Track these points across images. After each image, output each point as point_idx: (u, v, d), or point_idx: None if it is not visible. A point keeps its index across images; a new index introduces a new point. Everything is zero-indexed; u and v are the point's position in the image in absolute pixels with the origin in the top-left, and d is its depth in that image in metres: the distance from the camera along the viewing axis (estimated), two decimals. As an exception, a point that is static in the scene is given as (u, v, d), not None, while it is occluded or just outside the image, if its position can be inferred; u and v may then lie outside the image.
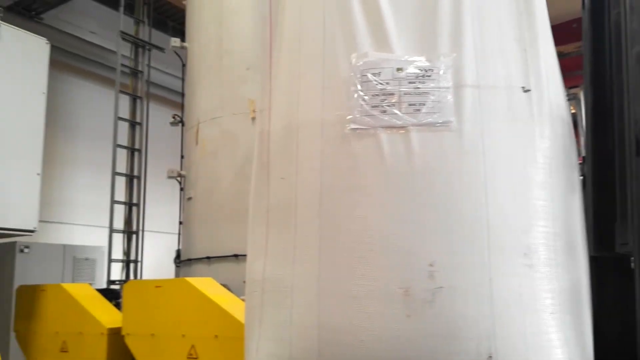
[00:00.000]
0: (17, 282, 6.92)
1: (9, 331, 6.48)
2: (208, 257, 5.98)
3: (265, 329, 2.42)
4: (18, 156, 5.69)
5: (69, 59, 10.59)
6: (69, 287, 5.30)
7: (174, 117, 7.52)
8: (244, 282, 4.89)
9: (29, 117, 5.83)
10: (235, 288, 4.61)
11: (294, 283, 2.36)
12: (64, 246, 9.83)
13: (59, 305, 5.27)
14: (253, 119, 6.20)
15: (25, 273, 8.19)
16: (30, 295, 5.50)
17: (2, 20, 5.82)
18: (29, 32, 6.11)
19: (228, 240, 5.89)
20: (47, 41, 6.20)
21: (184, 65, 7.55)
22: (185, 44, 7.12)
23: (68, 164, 10.80)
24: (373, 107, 2.33)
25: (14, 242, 9.05)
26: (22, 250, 9.13)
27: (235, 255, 5.80)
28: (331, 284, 2.27)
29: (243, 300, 4.54)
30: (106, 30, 10.31)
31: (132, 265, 7.04)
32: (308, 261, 2.34)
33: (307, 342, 2.25)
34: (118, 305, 5.27)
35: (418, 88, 2.33)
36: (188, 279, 4.54)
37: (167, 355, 4.40)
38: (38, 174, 5.86)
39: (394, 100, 2.32)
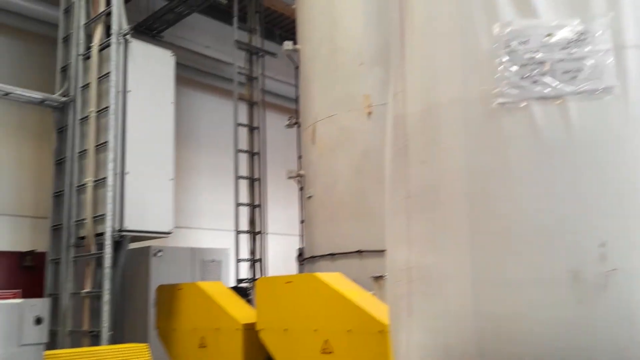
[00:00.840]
0: (153, 283, 7.36)
1: (147, 328, 6.91)
2: (331, 254, 5.99)
3: (415, 319, 2.33)
4: (153, 163, 6.05)
5: (188, 73, 11.17)
6: (203, 285, 5.53)
7: (289, 119, 7.66)
8: (371, 277, 4.86)
9: (161, 125, 6.18)
10: (360, 284, 4.57)
11: (445, 270, 2.24)
12: (192, 249, 10.37)
13: (195, 302, 5.51)
14: (369, 114, 6.15)
15: (158, 275, 8.67)
16: (169, 293, 5.81)
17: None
18: (155, 46, 6.49)
19: (351, 236, 5.87)
20: (172, 53, 6.54)
21: (296, 68, 7.67)
22: (297, 47, 7.23)
23: (192, 171, 11.38)
24: (522, 78, 2.16)
25: (149, 247, 9.68)
26: (155, 254, 9.74)
27: (359, 252, 5.77)
28: (486, 270, 2.13)
29: (373, 295, 4.50)
30: (219, 44, 10.76)
31: (257, 264, 7.23)
32: (458, 247, 2.21)
33: (464, 331, 2.12)
34: (249, 302, 5.42)
35: (572, 53, 2.13)
36: (317, 274, 4.56)
37: (301, 350, 4.44)
38: (171, 179, 6.18)
39: (545, 69, 2.14)
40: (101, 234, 5.46)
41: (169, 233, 5.79)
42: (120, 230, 5.29)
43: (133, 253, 10.03)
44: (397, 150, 2.63)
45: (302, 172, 7.03)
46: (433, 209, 2.35)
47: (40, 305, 3.20)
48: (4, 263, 8.80)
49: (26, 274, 8.27)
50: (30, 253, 8.01)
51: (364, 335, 3.92)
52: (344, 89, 6.34)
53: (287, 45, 7.25)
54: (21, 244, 8.50)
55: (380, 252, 3.06)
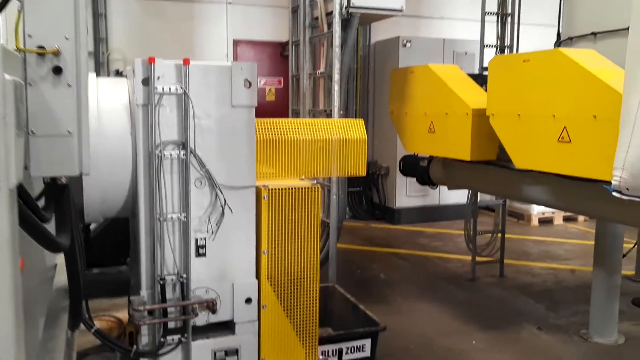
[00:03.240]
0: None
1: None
2: (593, 33, 4.88)
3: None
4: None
5: None
6: (436, 67, 5.10)
7: None
8: None
9: None
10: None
11: None
12: (444, 40, 9.80)
13: (426, 85, 5.17)
14: None
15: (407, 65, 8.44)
16: (402, 77, 5.56)
17: None
18: None
19: (620, 9, 4.63)
20: None
21: None
22: None
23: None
24: None
25: (397, 38, 9.41)
26: (404, 45, 9.47)
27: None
28: None
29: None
30: None
31: (507, 51, 6.41)
32: None
33: None
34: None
35: None
36: (562, 49, 3.73)
37: (534, 138, 3.86)
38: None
39: None
40: (331, 13, 5.29)
41: (399, 10, 5.33)
42: (348, 7, 5.03)
43: (383, 44, 9.95)
44: None
45: None
46: None
47: (248, 68, 3.18)
48: (267, 52, 9.55)
49: (286, 62, 8.76)
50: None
51: (610, 122, 3.15)
52: None
53: None
54: (281, 34, 9.01)
55: None
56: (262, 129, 3.60)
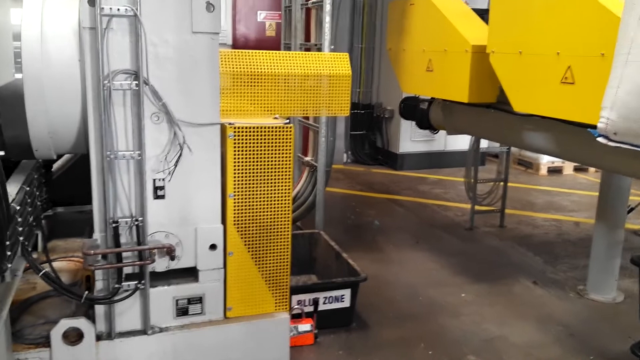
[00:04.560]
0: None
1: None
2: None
3: None
4: None
5: None
6: (438, 0, 4.65)
7: None
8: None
9: None
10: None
11: None
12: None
13: (425, 20, 4.74)
14: None
15: None
16: (401, 9, 5.12)
17: None
18: None
19: None
20: None
21: None
22: None
23: None
24: None
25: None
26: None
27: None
28: None
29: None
30: None
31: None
32: None
33: None
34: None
35: None
36: (572, -23, 3.29)
37: (535, 78, 3.49)
38: None
39: None
40: None
41: None
42: None
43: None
44: None
45: None
46: None
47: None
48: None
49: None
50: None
51: (621, 60, 2.76)
52: None
53: None
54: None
55: None
56: (229, 60, 3.26)
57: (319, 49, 4.93)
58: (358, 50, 9.52)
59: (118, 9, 2.70)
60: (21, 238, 2.66)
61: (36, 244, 3.65)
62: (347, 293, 3.96)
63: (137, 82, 2.79)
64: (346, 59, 3.61)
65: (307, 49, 5.30)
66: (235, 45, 8.62)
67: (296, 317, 3.77)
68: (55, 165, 4.10)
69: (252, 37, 9.05)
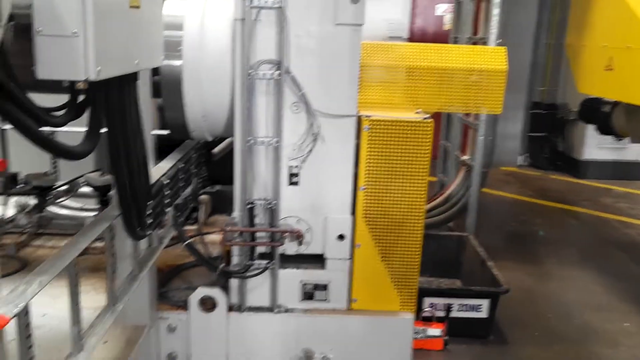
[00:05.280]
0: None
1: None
2: None
3: None
4: None
5: None
6: (627, -10, 4.10)
7: None
8: None
9: None
10: None
11: None
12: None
13: (609, 11, 4.21)
14: None
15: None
16: (582, 1, 4.61)
17: None
18: None
19: None
20: None
21: None
22: None
23: None
24: None
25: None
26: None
27: None
28: None
29: None
30: None
31: None
32: None
33: None
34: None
35: None
36: None
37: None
38: None
39: None
40: None
41: None
42: None
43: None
44: None
45: None
46: None
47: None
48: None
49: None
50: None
51: None
52: None
53: None
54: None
55: None
56: (371, 52, 3.24)
57: (485, 43, 4.66)
58: (544, 46, 8.80)
59: (266, 1, 2.84)
60: (168, 209, 2.95)
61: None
62: (485, 303, 3.72)
63: (279, 71, 2.91)
64: (503, 53, 3.37)
65: (474, 43, 5.05)
66: (412, 38, 8.54)
67: (426, 320, 3.65)
68: (219, 147, 4.46)
69: (429, 31, 8.89)
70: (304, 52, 2.93)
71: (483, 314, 3.76)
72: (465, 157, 5.04)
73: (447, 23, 8.71)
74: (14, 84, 1.51)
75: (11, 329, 1.45)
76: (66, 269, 1.83)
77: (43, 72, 1.63)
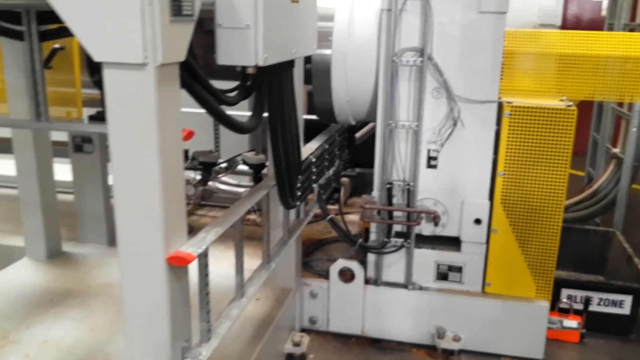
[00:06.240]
0: None
1: None
2: None
3: None
4: None
5: None
6: None
7: None
8: None
9: None
10: None
11: None
12: None
13: None
14: None
15: None
16: None
17: None
18: None
19: None
20: None
21: None
22: None
23: None
24: None
25: None
26: None
27: None
28: None
29: None
30: None
31: None
32: None
33: None
34: None
35: None
36: None
37: None
38: None
39: None
40: None
41: None
42: None
43: None
44: None
45: None
46: None
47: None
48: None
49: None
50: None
51: None
52: None
53: None
54: None
55: None
56: (517, 39, 3.24)
57: (644, 29, 4.38)
58: None
59: (412, -8, 3.00)
60: (315, 185, 3.24)
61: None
62: (627, 299, 3.57)
63: (422, 58, 3.05)
64: (662, 39, 3.20)
65: (632, 30, 4.75)
66: (565, 25, 8.12)
67: (563, 312, 3.59)
68: (361, 132, 4.69)
69: (585, 18, 8.38)
70: (446, 40, 3.03)
71: (625, 310, 3.60)
72: (615, 150, 4.77)
73: (604, 9, 8.16)
74: (199, 68, 1.83)
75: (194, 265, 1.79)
76: (236, 223, 2.16)
77: (222, 58, 1.95)
